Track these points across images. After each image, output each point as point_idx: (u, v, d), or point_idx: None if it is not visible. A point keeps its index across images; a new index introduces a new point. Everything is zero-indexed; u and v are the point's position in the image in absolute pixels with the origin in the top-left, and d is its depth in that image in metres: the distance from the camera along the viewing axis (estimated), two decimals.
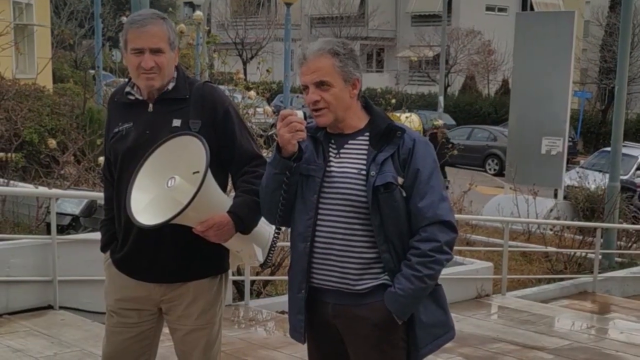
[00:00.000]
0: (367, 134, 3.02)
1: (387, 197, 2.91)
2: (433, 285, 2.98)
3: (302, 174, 3.02)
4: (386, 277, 2.96)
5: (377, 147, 2.97)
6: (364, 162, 2.97)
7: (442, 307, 3.07)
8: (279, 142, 2.97)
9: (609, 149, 14.40)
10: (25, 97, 10.79)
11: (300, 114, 2.95)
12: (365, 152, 2.99)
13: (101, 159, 7.37)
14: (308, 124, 2.99)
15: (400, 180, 2.93)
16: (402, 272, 2.92)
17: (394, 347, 3.00)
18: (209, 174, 2.99)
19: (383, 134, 2.99)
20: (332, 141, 3.05)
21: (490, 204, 14.64)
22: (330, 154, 3.03)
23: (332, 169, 3.01)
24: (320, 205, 2.99)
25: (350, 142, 3.03)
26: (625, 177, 16.96)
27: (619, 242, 12.54)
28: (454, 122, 32.59)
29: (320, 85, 2.95)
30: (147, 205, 3.09)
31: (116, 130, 3.32)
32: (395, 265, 2.94)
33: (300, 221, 3.03)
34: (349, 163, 3.00)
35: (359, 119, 3.05)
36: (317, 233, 3.00)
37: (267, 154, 6.30)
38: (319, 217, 2.99)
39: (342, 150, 3.03)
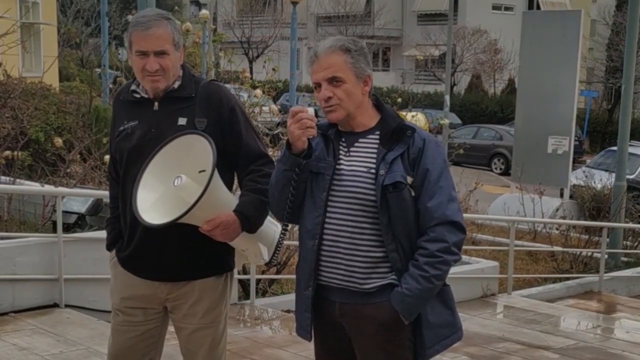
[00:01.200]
0: (378, 132, 3.01)
1: (395, 197, 2.90)
2: (440, 285, 2.97)
3: (312, 171, 3.02)
4: (393, 276, 2.95)
5: (387, 146, 2.96)
6: (374, 160, 2.96)
7: (450, 308, 3.06)
8: (288, 139, 2.97)
9: (615, 148, 14.35)
10: (32, 95, 10.80)
11: (311, 110, 2.94)
12: (375, 150, 2.98)
13: (107, 158, 7.37)
14: (319, 122, 2.99)
15: (409, 179, 2.92)
16: (409, 272, 2.91)
17: (400, 347, 2.99)
18: (216, 172, 2.99)
19: (393, 133, 2.98)
20: (343, 139, 3.05)
21: (496, 203, 14.62)
22: (341, 152, 3.03)
23: (342, 167, 3.00)
24: (329, 203, 2.99)
25: (360, 140, 3.02)
26: (631, 177, 16.90)
27: (625, 242, 12.51)
28: (460, 121, 32.52)
29: (333, 81, 2.94)
30: (153, 204, 3.08)
31: (121, 128, 3.32)
32: (402, 264, 2.93)
33: (309, 218, 3.03)
34: (358, 161, 2.99)
35: (370, 117, 3.04)
36: (325, 231, 2.99)
37: (273, 152, 6.32)
38: (328, 214, 2.99)
39: (352, 149, 3.02)
